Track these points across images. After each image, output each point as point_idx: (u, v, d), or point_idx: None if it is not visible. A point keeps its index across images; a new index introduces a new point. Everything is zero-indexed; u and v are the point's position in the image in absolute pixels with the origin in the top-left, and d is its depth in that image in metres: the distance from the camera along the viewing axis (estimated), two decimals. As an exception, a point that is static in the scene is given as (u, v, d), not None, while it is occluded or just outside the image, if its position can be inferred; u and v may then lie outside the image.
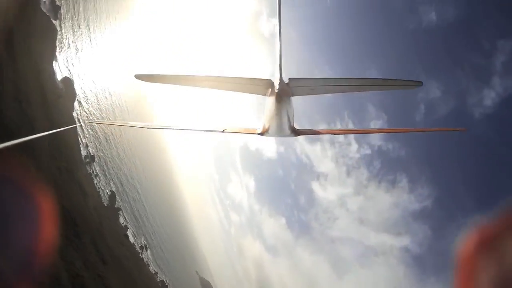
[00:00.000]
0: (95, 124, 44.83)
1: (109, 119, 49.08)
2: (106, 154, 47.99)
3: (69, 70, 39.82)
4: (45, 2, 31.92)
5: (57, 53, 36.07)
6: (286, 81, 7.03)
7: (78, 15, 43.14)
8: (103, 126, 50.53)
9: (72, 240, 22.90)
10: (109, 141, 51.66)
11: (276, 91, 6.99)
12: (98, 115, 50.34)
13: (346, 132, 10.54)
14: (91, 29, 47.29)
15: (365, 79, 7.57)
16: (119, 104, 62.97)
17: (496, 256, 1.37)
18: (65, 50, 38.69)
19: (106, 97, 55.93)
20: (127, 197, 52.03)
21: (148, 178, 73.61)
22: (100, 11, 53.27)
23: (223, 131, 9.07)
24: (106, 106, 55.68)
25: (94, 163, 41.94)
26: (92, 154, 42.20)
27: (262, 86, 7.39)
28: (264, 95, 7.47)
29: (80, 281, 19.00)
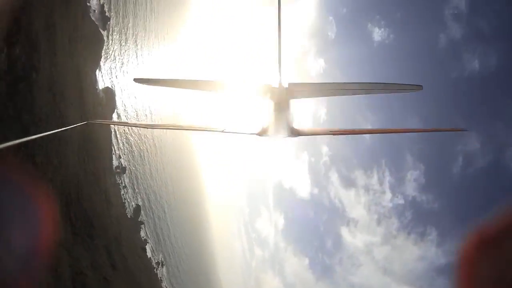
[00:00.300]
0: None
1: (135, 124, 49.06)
2: (138, 169, 48.13)
3: (112, 82, 40.56)
4: (94, 10, 32.82)
5: (101, 63, 36.82)
6: (286, 85, 7.12)
7: (127, 29, 44.32)
8: (139, 141, 50.98)
9: (84, 240, 22.40)
10: (143, 157, 51.92)
11: (275, 95, 7.18)
12: (136, 130, 51.09)
13: (345, 133, 9.98)
14: (139, 46, 48.50)
15: (364, 84, 7.53)
16: (158, 123, 63.65)
17: (496, 256, 1.38)
18: (110, 61, 39.54)
19: (146, 115, 56.65)
20: (152, 214, 51.72)
21: (177, 199, 73.37)
22: (149, 29, 54.83)
23: (222, 131, 9.26)
24: (146, 123, 56.33)
25: (124, 175, 42.01)
26: (123, 165, 42.35)
27: (262, 90, 7.52)
28: (264, 98, 7.61)
29: (83, 279, 18.27)
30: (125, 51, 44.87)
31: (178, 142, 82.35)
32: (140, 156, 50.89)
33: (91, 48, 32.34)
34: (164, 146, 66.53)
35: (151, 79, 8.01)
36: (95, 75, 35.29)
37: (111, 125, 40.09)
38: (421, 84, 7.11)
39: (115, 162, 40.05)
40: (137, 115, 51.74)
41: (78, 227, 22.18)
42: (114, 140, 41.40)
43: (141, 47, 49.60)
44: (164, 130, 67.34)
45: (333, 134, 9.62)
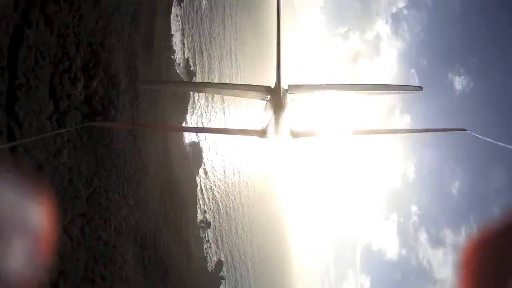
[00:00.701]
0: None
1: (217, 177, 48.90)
2: (223, 226, 47.70)
3: (198, 137, 41.48)
4: (179, 64, 34.16)
5: (188, 117, 37.90)
6: (285, 87, 7.09)
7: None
8: (225, 199, 50.93)
9: (155, 284, 21.76)
10: (229, 215, 51.65)
11: (275, 97, 7.05)
12: (223, 187, 51.27)
13: (345, 134, 9.66)
14: (226, 103, 49.77)
15: (364, 85, 7.79)
16: (246, 182, 63.94)
17: (498, 256, 1.38)
18: (196, 117, 40.66)
19: (234, 173, 57.13)
20: (235, 271, 50.22)
21: (262, 258, 71.37)
22: (236, 86, 56.18)
23: (223, 133, 9.99)
24: (233, 181, 56.75)
25: (209, 229, 41.68)
26: (208, 220, 42.15)
27: (261, 92, 7.63)
28: (264, 99, 7.61)
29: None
30: (212, 107, 46.18)
31: (266, 202, 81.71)
32: (226, 214, 50.63)
33: (177, 101, 33.47)
34: (251, 206, 66.16)
35: (157, 81, 8.99)
36: (181, 127, 36.23)
37: (196, 178, 40.43)
38: (421, 86, 7.17)
39: (199, 216, 39.97)
40: (224, 173, 52.32)
41: (150, 271, 21.62)
42: (199, 195, 41.59)
43: (228, 104, 50.80)
44: (252, 189, 67.48)
45: (333, 136, 9.16)
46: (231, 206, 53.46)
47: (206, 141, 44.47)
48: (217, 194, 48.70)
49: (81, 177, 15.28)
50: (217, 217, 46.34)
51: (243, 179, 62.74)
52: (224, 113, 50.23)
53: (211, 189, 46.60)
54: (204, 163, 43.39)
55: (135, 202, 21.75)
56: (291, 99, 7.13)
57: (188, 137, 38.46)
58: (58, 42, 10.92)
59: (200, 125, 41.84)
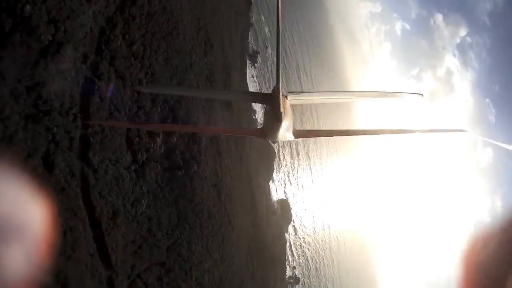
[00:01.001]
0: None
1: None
2: (312, 282, 46.26)
3: (286, 194, 41.48)
4: (261, 124, 34.61)
5: (274, 175, 38.19)
6: (285, 94, 7.06)
7: (297, 143, 45.95)
8: (315, 255, 49.67)
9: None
10: (319, 270, 50.10)
11: (274, 103, 6.84)
12: (313, 244, 50.14)
13: (346, 134, 9.13)
14: (311, 160, 49.64)
15: (363, 92, 7.83)
16: (336, 237, 62.19)
17: (498, 256, 1.40)
18: (283, 174, 40.86)
19: (323, 229, 56.00)
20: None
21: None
22: (319, 143, 56.12)
23: (226, 133, 10.14)
24: (323, 237, 55.55)
25: (297, 285, 40.56)
26: (297, 276, 41.10)
27: (261, 99, 8.03)
28: (264, 105, 7.78)
29: None
30: (298, 165, 46.23)
31: (357, 256, 78.44)
32: (316, 269, 49.17)
33: (262, 159, 33.90)
34: (342, 261, 64.02)
35: (156, 86, 9.20)
36: (269, 186, 36.46)
37: (285, 235, 40.04)
38: (421, 93, 6.97)
39: (288, 272, 39.19)
40: (314, 229, 51.38)
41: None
42: (288, 251, 40.96)
43: (314, 161, 50.66)
44: (343, 244, 65.20)
45: (334, 136, 8.66)
46: (321, 261, 51.99)
47: (294, 198, 44.38)
48: (307, 251, 47.67)
49: (161, 227, 15.76)
50: (307, 273, 45.12)
51: (334, 234, 61.38)
52: (311, 169, 50.03)
53: (300, 246, 45.79)
54: (293, 220, 43.03)
55: (219, 256, 21.81)
56: (290, 105, 7.10)
57: (276, 195, 38.56)
58: (132, 96, 11.79)
59: (287, 184, 42.00)
